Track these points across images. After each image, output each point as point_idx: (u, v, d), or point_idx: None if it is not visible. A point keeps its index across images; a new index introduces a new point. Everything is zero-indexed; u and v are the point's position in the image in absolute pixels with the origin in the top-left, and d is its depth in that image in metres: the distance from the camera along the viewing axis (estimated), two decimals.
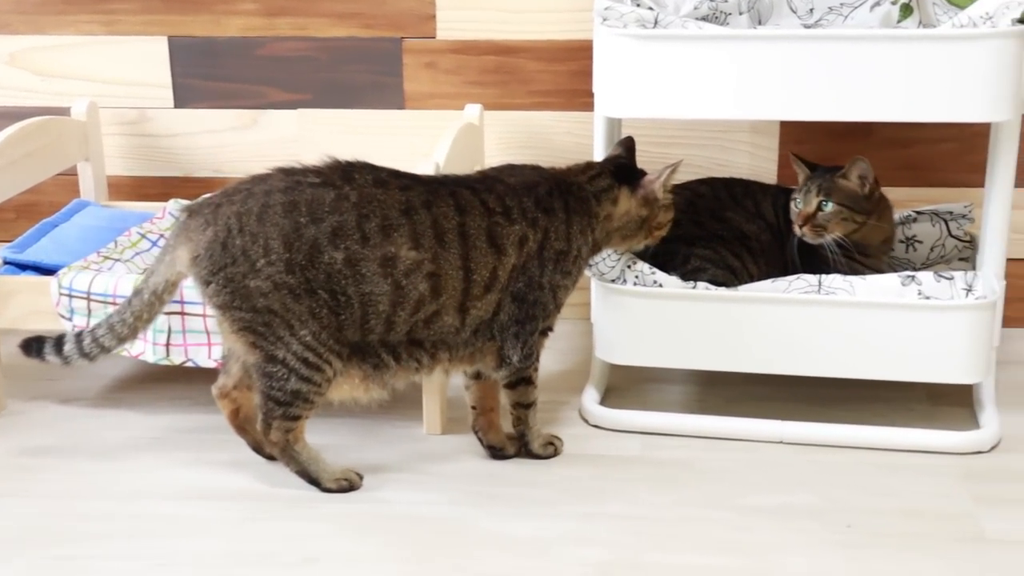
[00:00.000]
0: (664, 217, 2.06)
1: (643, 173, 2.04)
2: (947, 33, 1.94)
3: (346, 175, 1.87)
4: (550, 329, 2.00)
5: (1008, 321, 2.49)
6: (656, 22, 2.02)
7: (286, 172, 1.88)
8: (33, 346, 1.98)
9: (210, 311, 1.95)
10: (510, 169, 1.99)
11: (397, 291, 1.84)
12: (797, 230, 2.20)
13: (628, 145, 2.08)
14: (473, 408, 2.07)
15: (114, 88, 2.71)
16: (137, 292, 1.93)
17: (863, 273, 2.22)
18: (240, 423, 2.05)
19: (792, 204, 2.23)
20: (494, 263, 1.89)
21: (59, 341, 1.96)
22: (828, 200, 2.18)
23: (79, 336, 1.95)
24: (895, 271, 2.29)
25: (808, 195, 2.20)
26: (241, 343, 1.88)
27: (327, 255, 1.82)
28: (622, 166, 2.04)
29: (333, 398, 1.94)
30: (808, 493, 1.95)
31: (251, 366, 1.90)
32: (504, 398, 2.04)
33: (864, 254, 2.24)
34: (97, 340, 1.94)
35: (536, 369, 2.01)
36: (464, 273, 1.87)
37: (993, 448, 2.07)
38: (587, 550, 1.79)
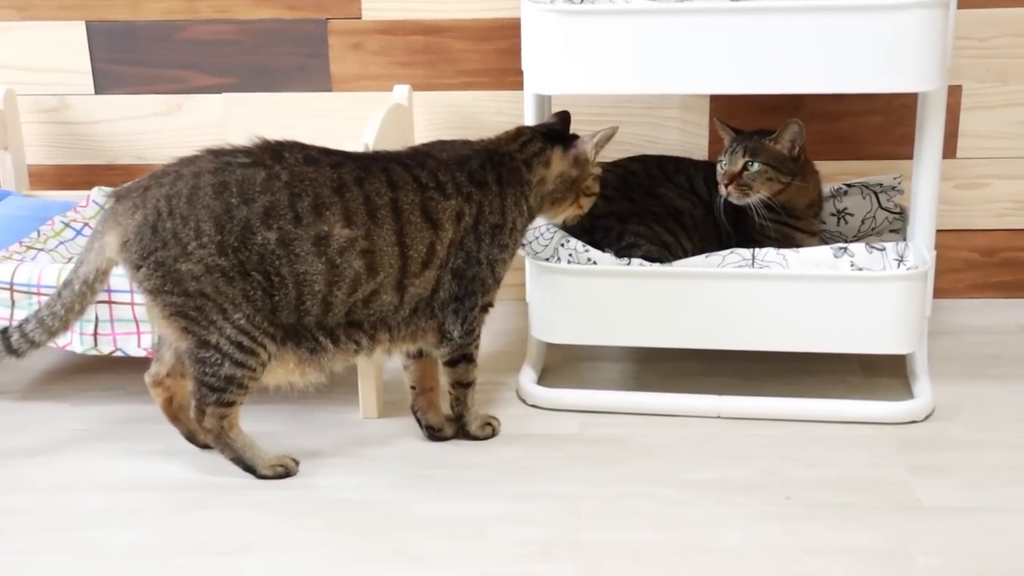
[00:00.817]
0: (592, 184, 2.05)
1: (575, 138, 2.03)
2: (874, 3, 1.94)
3: (276, 154, 1.84)
4: (490, 305, 1.99)
5: (938, 292, 2.53)
6: None
7: (215, 153, 1.85)
8: None
9: (140, 297, 1.91)
10: (440, 144, 1.98)
11: (332, 270, 1.82)
12: (723, 190, 2.21)
13: (564, 118, 2.07)
14: (412, 388, 2.05)
15: (32, 75, 2.64)
16: (67, 283, 1.88)
17: (793, 236, 2.24)
18: (173, 412, 2.02)
19: (718, 166, 2.25)
20: (431, 238, 1.87)
21: None
22: (754, 160, 2.19)
23: (5, 332, 1.90)
24: (826, 243, 2.31)
25: (734, 155, 2.21)
26: (173, 329, 1.84)
27: (260, 236, 1.79)
28: (554, 131, 2.04)
29: (268, 383, 1.91)
30: (745, 467, 1.95)
31: (183, 352, 1.87)
32: (443, 378, 2.02)
33: (793, 216, 2.25)
34: (26, 335, 1.89)
35: (477, 347, 2.00)
36: (400, 249, 1.85)
37: (927, 417, 2.09)
38: (526, 530, 1.78)
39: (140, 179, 1.86)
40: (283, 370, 1.90)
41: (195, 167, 1.82)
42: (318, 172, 1.84)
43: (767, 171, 2.20)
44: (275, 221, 1.80)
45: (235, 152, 1.85)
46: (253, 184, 1.80)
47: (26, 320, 1.89)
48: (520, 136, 2.01)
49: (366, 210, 1.83)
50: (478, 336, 2.00)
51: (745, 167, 2.20)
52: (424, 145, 1.99)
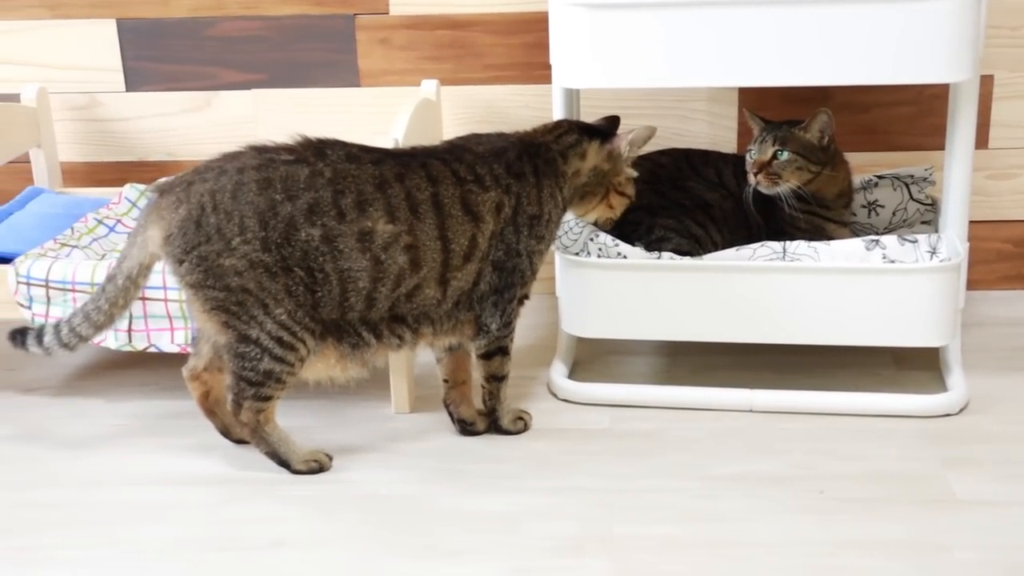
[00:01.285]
0: (626, 185, 2.05)
1: (612, 135, 2.03)
2: None
3: (319, 151, 1.85)
4: (526, 297, 2.00)
5: (971, 283, 2.51)
6: None
7: (258, 149, 1.86)
8: (18, 337, 1.96)
9: (174, 293, 1.92)
10: (476, 138, 1.98)
11: (376, 266, 1.83)
12: (752, 179, 2.20)
13: (613, 122, 2.08)
14: (445, 381, 2.05)
15: (63, 73, 2.66)
16: (110, 278, 1.89)
17: (824, 227, 2.23)
18: (210, 406, 2.03)
19: (747, 155, 2.24)
20: (472, 231, 1.88)
21: (40, 332, 1.94)
22: (784, 149, 2.19)
23: (57, 326, 1.92)
24: (857, 235, 2.30)
25: (763, 144, 2.21)
26: (213, 323, 1.85)
27: (304, 232, 1.80)
28: (592, 128, 2.04)
29: (308, 377, 1.92)
30: (777, 461, 1.95)
31: (222, 347, 1.88)
32: (477, 371, 2.02)
33: (823, 206, 2.24)
34: (74, 329, 1.91)
35: (512, 339, 2.01)
36: (442, 243, 1.86)
37: (961, 410, 2.08)
38: (558, 524, 1.79)
39: (183, 174, 1.87)
40: (323, 365, 1.90)
41: (239, 163, 1.83)
42: (360, 169, 1.84)
43: (796, 160, 2.19)
44: (319, 218, 1.80)
45: (278, 149, 1.86)
46: (297, 181, 1.81)
47: (74, 314, 1.91)
48: (558, 128, 2.01)
49: (408, 205, 1.84)
50: (514, 328, 2.00)
51: (774, 156, 2.19)
52: (459, 139, 1.99)
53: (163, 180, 1.92)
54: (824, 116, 2.19)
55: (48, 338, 1.93)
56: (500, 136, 1.99)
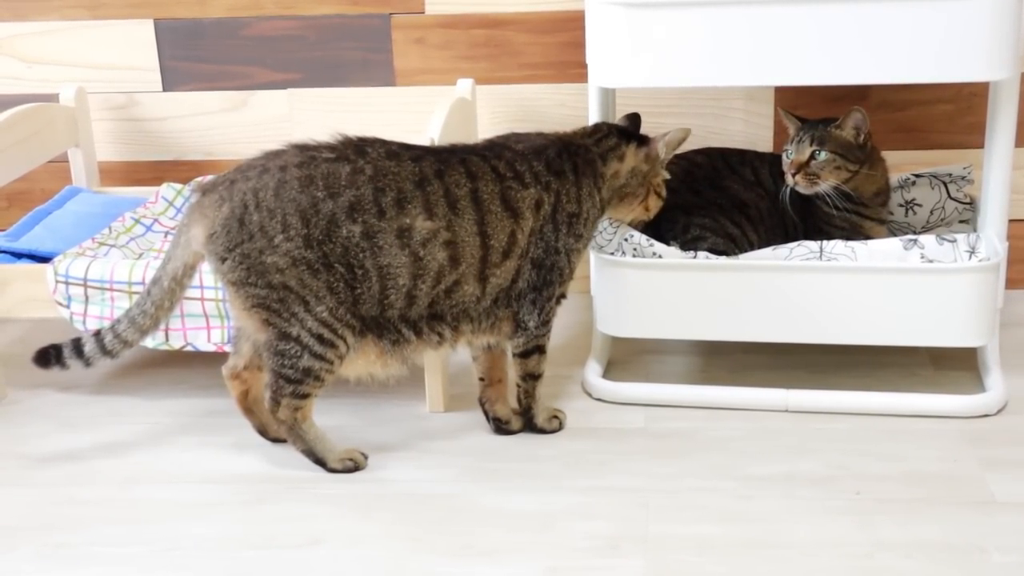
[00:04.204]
0: (661, 186, 2.05)
1: (647, 137, 2.04)
2: None
3: (359, 149, 1.86)
4: (563, 296, 2.00)
5: (1010, 282, 2.49)
6: None
7: (300, 148, 1.87)
8: (51, 355, 1.93)
9: (214, 292, 1.92)
10: (516, 136, 1.98)
11: (416, 263, 1.83)
12: (790, 179, 2.19)
13: (634, 120, 2.08)
14: (481, 380, 2.06)
15: (101, 73, 2.68)
16: (156, 280, 1.90)
17: (862, 225, 2.22)
18: (248, 405, 2.04)
19: (784, 155, 2.23)
20: (511, 227, 1.88)
21: (77, 344, 1.92)
22: (822, 149, 2.17)
23: (98, 335, 1.92)
24: (895, 234, 2.29)
25: (801, 144, 2.19)
26: (254, 320, 1.86)
27: (345, 229, 1.81)
28: (626, 130, 2.04)
29: (349, 374, 1.93)
30: (813, 461, 1.94)
31: (262, 344, 1.89)
32: (512, 370, 2.03)
33: (861, 204, 2.23)
34: (119, 335, 1.91)
35: (548, 338, 2.01)
36: (481, 239, 1.86)
37: (1000, 411, 2.06)
38: (594, 523, 1.78)
39: (225, 173, 1.87)
40: (363, 361, 1.91)
41: (281, 161, 1.84)
42: (400, 166, 1.85)
43: (835, 159, 2.18)
44: (360, 215, 1.81)
45: (319, 147, 1.86)
46: (338, 178, 1.82)
47: (118, 320, 1.92)
48: (597, 132, 2.02)
49: (447, 202, 1.85)
50: (551, 328, 2.00)
51: (812, 156, 2.18)
52: (499, 137, 1.99)
53: (204, 179, 1.93)
54: (858, 114, 2.18)
55: (89, 347, 1.92)
56: (540, 135, 1.99)
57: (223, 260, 1.83)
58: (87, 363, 1.93)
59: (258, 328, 1.87)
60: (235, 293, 1.85)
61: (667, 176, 2.06)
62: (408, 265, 1.83)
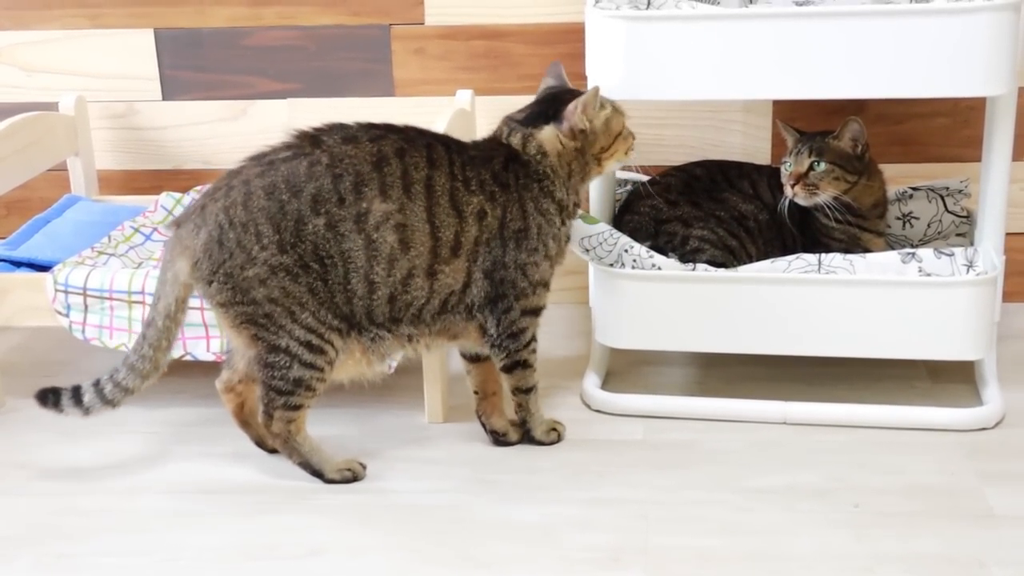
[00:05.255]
0: (617, 144, 1.99)
1: (569, 99, 1.95)
2: (942, 7, 1.92)
3: (314, 140, 1.86)
4: (537, 310, 1.97)
5: (1007, 296, 2.49)
6: (649, 3, 2.01)
7: (256, 158, 1.87)
8: (49, 398, 1.94)
9: (210, 309, 1.93)
10: (475, 142, 1.97)
11: (370, 244, 1.83)
12: (788, 190, 2.20)
13: (556, 72, 2.04)
14: (475, 393, 2.06)
15: (101, 82, 2.68)
16: (149, 322, 1.90)
17: (860, 237, 2.24)
18: (244, 417, 2.04)
19: (782, 167, 2.24)
20: (456, 227, 1.86)
21: (76, 392, 1.92)
22: (820, 160, 2.19)
23: (98, 383, 1.92)
24: (892, 247, 2.30)
25: (799, 156, 2.21)
26: (243, 337, 1.87)
27: (310, 225, 1.81)
28: (533, 114, 1.97)
29: (343, 378, 1.94)
30: (812, 473, 1.94)
31: (252, 358, 1.89)
32: (504, 383, 2.03)
33: (859, 216, 2.24)
34: (119, 384, 1.91)
35: (532, 352, 2.00)
36: (430, 228, 1.85)
37: (997, 424, 2.07)
38: (594, 535, 1.79)
39: (193, 201, 1.89)
40: (352, 361, 1.91)
41: (243, 176, 1.85)
42: (357, 148, 1.85)
43: (834, 170, 2.19)
44: (322, 206, 1.81)
45: (276, 150, 1.87)
46: (298, 175, 1.82)
47: (116, 369, 1.91)
48: (508, 131, 1.96)
49: (403, 184, 1.84)
50: (528, 342, 1.98)
51: (811, 167, 2.19)
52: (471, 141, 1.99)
53: (176, 216, 1.92)
54: (855, 125, 2.19)
55: (88, 397, 1.91)
56: (491, 141, 1.96)
57: (209, 283, 1.84)
58: (86, 412, 1.92)
59: (248, 344, 1.87)
60: (224, 313, 1.86)
61: (622, 142, 2.00)
62: (363, 248, 1.83)
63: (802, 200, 2.20)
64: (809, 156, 2.20)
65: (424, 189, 1.85)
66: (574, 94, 1.96)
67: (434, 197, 1.85)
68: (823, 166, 2.19)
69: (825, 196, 2.19)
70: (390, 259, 1.84)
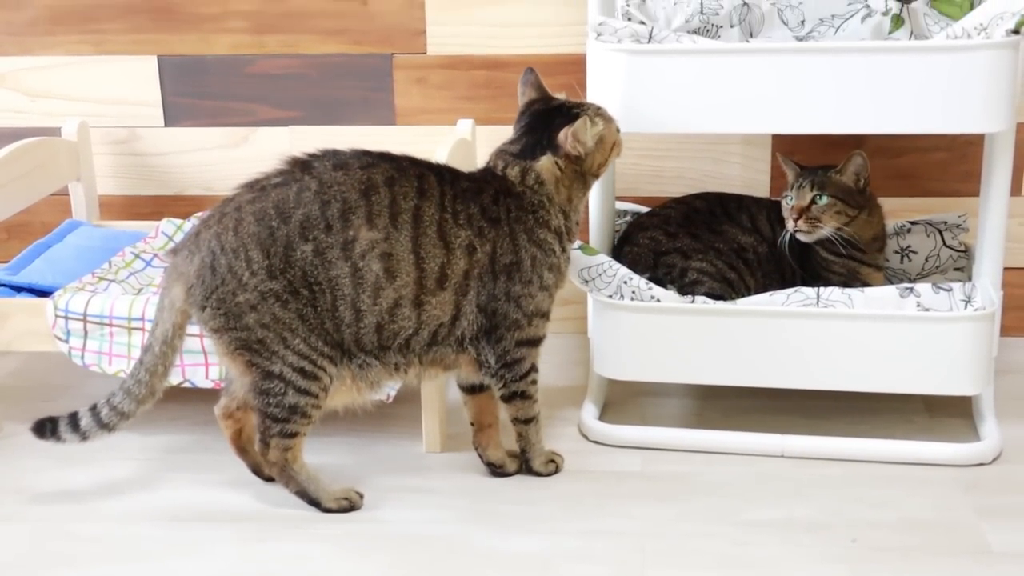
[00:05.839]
0: (612, 153, 1.98)
1: (562, 123, 1.92)
2: (942, 44, 1.94)
3: (305, 166, 1.87)
4: (532, 341, 1.96)
5: (1005, 330, 2.50)
6: (651, 37, 2.02)
7: (249, 185, 1.88)
8: (47, 427, 1.95)
9: (207, 336, 1.93)
10: (469, 174, 1.96)
11: (356, 273, 1.83)
12: (791, 224, 2.21)
13: (534, 82, 2.02)
14: (472, 424, 2.06)
15: (104, 107, 2.70)
16: (147, 348, 1.91)
17: (859, 271, 2.26)
18: (242, 444, 2.04)
19: (783, 201, 2.25)
20: (442, 259, 1.86)
21: (74, 418, 1.93)
22: (823, 193, 2.20)
23: (94, 408, 1.93)
24: (891, 281, 2.31)
25: (802, 190, 2.22)
26: (237, 363, 1.87)
27: (299, 251, 1.82)
28: (533, 142, 1.95)
29: (337, 405, 1.94)
30: (809, 507, 1.94)
31: (247, 386, 1.89)
32: (504, 413, 2.03)
33: (858, 250, 2.26)
34: (116, 408, 1.92)
35: (531, 383, 1.99)
36: (415, 259, 1.85)
37: (995, 459, 2.07)
38: (591, 567, 1.79)
39: (189, 230, 1.90)
40: (344, 388, 1.91)
41: (235, 203, 1.86)
42: (347, 175, 1.85)
43: (836, 204, 2.20)
44: (310, 232, 1.82)
45: (268, 176, 1.88)
46: (287, 201, 1.83)
47: (112, 393, 1.92)
48: (502, 163, 1.96)
49: (389, 213, 1.84)
50: (526, 373, 1.97)
51: (813, 200, 2.20)
52: (463, 171, 1.98)
53: (175, 242, 1.93)
54: (859, 159, 2.20)
55: (85, 421, 1.92)
56: (487, 173, 1.96)
57: (203, 308, 1.85)
58: (83, 437, 1.93)
59: (242, 371, 1.88)
60: (218, 340, 1.87)
61: (608, 152, 1.96)
62: (350, 275, 1.83)
63: (804, 235, 2.21)
64: (811, 190, 2.21)
65: (411, 219, 1.85)
66: (562, 112, 1.95)
67: (421, 228, 1.85)
68: (825, 200, 2.20)
69: (827, 230, 2.20)
70: (375, 287, 1.84)
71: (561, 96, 2.01)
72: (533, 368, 1.99)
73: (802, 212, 2.20)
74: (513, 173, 1.93)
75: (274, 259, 1.82)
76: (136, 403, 1.91)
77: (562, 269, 1.97)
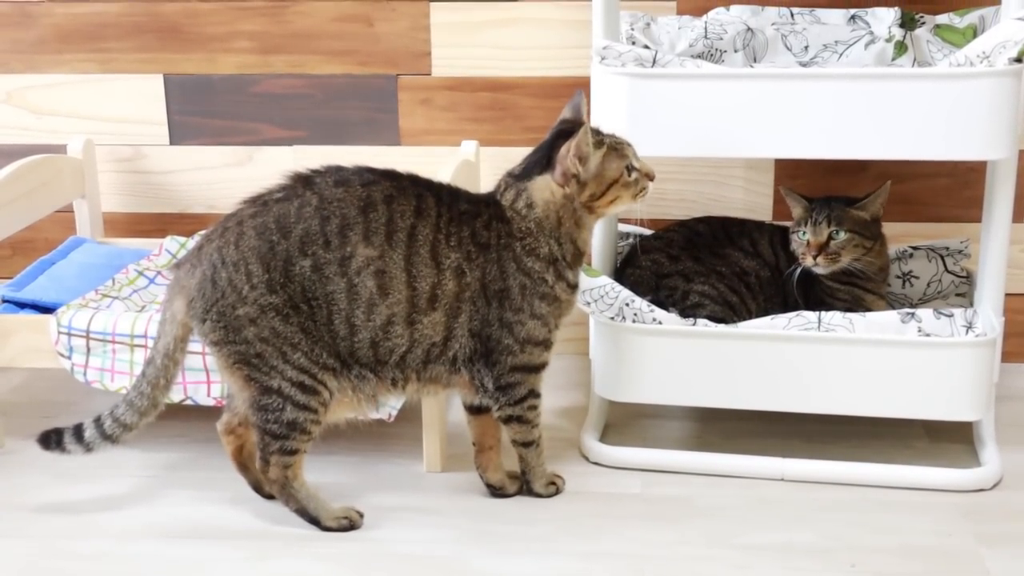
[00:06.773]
0: (614, 191, 1.92)
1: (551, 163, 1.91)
2: (945, 71, 1.95)
3: (307, 182, 1.89)
4: (526, 367, 1.95)
5: (1007, 356, 2.50)
6: (655, 61, 2.03)
7: (251, 200, 1.90)
8: (52, 439, 1.97)
9: (208, 350, 1.94)
10: (471, 196, 1.96)
11: (351, 288, 1.84)
12: (809, 260, 2.21)
13: (575, 104, 1.98)
14: (474, 445, 2.06)
15: (110, 125, 2.71)
16: (149, 361, 1.92)
17: (864, 298, 2.26)
18: (243, 460, 2.05)
19: (795, 236, 2.25)
20: (433, 279, 1.86)
21: (78, 429, 1.95)
22: (840, 229, 2.20)
23: (98, 420, 1.94)
24: (892, 306, 2.31)
25: (817, 226, 2.21)
26: (237, 378, 1.88)
27: (298, 266, 1.83)
28: (535, 161, 1.93)
29: (339, 419, 1.95)
30: (809, 531, 1.94)
31: (247, 402, 1.90)
32: (505, 435, 2.03)
33: (865, 278, 2.26)
34: (119, 419, 1.93)
35: (528, 408, 1.98)
36: (407, 277, 1.85)
37: (995, 485, 2.07)
38: None
39: (194, 244, 1.92)
40: (346, 400, 1.92)
41: (237, 217, 1.88)
42: (347, 192, 1.86)
43: (854, 238, 2.20)
44: (309, 247, 1.83)
45: (270, 191, 1.90)
46: (288, 216, 1.85)
47: (116, 405, 1.94)
48: (502, 187, 1.95)
49: (386, 231, 1.85)
50: (522, 398, 1.96)
51: (831, 236, 2.20)
52: (464, 191, 1.97)
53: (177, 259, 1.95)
54: (886, 193, 2.22)
55: (89, 433, 1.94)
56: (485, 197, 1.95)
57: (203, 321, 1.86)
58: (88, 449, 1.95)
59: (242, 386, 1.89)
60: (217, 353, 1.88)
61: (623, 174, 1.91)
62: (345, 291, 1.84)
63: (823, 269, 2.21)
64: (828, 226, 2.20)
65: (406, 238, 1.86)
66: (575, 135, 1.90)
67: (415, 247, 1.86)
68: (843, 235, 2.20)
69: (845, 262, 2.21)
70: (369, 304, 1.85)
71: (595, 125, 1.95)
72: (531, 394, 1.98)
73: (821, 249, 2.20)
74: (508, 197, 1.93)
75: (274, 273, 1.83)
76: (138, 415, 1.92)
77: (559, 297, 1.94)
